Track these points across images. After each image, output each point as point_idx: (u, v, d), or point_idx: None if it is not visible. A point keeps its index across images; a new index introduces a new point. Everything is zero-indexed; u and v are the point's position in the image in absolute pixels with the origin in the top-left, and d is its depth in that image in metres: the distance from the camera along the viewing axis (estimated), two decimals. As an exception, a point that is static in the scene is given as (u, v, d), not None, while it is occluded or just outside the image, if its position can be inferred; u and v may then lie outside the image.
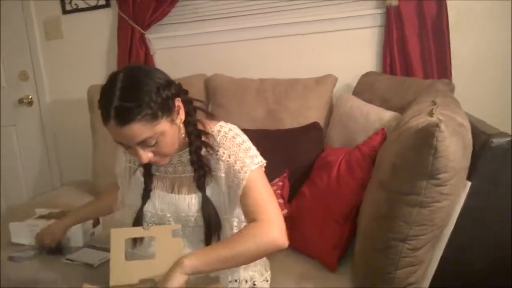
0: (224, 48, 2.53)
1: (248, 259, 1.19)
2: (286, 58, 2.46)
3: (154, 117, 1.11)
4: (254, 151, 1.27)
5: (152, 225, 1.26)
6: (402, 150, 1.19)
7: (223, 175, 1.23)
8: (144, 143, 1.13)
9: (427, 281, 1.34)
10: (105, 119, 1.10)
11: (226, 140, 1.24)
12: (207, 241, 1.26)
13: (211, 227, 1.25)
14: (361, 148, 1.58)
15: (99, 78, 2.71)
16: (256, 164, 1.24)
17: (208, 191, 1.26)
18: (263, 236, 1.14)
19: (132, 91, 1.09)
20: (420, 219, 1.17)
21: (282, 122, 2.17)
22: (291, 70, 2.38)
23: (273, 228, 1.16)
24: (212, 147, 1.24)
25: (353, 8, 2.33)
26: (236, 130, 1.29)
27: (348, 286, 1.44)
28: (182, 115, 1.21)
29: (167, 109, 1.14)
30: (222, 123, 1.30)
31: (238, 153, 1.23)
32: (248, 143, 1.27)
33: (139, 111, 1.08)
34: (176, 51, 2.59)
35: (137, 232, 1.26)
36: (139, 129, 1.09)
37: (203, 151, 1.25)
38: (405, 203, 1.17)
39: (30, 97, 2.91)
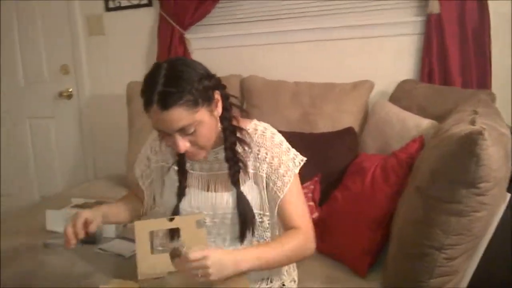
0: (260, 50, 2.55)
1: (286, 265, 1.31)
2: (322, 62, 2.46)
3: (195, 104, 1.13)
4: (293, 151, 1.30)
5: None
6: (443, 157, 1.17)
7: (264, 175, 1.25)
8: (183, 131, 1.15)
9: (460, 292, 1.32)
10: (148, 104, 1.12)
11: (265, 140, 1.26)
12: (242, 238, 1.28)
13: (246, 223, 1.26)
14: (398, 154, 1.56)
15: (138, 75, 2.73)
16: (297, 166, 1.28)
17: (244, 188, 1.27)
18: (307, 249, 1.25)
19: (175, 78, 1.12)
20: (458, 228, 1.15)
21: (316, 125, 2.17)
22: (327, 74, 2.38)
23: (313, 240, 1.26)
24: (247, 144, 1.26)
25: (393, 15, 2.31)
26: (271, 129, 1.31)
27: (378, 293, 1.43)
28: (219, 109, 1.23)
29: (207, 99, 1.17)
30: (255, 121, 1.32)
31: (281, 155, 1.26)
32: (286, 143, 1.30)
33: (181, 96, 1.10)
34: (213, 52, 2.62)
35: (161, 223, 1.25)
36: (180, 114, 1.11)
37: (239, 148, 1.27)
38: (444, 211, 1.16)
39: (70, 90, 2.99)
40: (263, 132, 1.28)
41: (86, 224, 1.29)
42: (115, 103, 2.80)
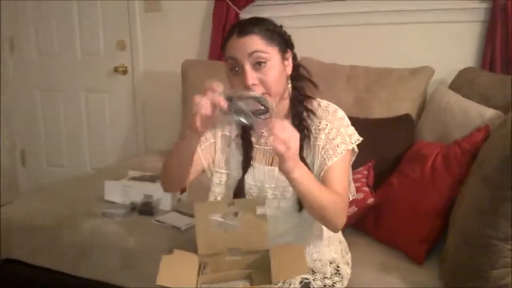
0: (316, 32, 2.52)
1: (320, 215, 1.19)
2: (379, 47, 2.42)
3: (270, 39, 1.20)
4: (352, 128, 1.30)
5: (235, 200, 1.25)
6: (513, 146, 1.15)
7: (321, 144, 1.26)
8: (254, 58, 1.17)
9: (521, 286, 1.30)
10: (229, 35, 1.21)
11: (328, 114, 1.28)
12: (300, 208, 1.28)
13: None
14: (461, 143, 1.53)
15: (193, 53, 2.81)
16: (353, 143, 1.27)
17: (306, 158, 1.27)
18: (338, 215, 1.19)
19: (256, 19, 1.23)
20: (527, 219, 1.13)
21: (370, 110, 2.15)
22: (383, 59, 2.34)
23: (345, 211, 1.23)
24: (314, 114, 1.28)
25: (456, 1, 2.24)
26: (334, 105, 1.32)
27: (434, 281, 1.41)
28: (290, 67, 1.26)
29: (282, 43, 1.23)
30: (318, 99, 1.32)
31: (340, 128, 1.26)
32: (347, 120, 1.30)
33: (260, 28, 1.19)
34: None
35: (220, 207, 1.25)
36: (256, 40, 1.18)
37: (306, 118, 1.28)
38: (511, 200, 1.13)
39: (125, 66, 3.05)
40: (326, 107, 1.30)
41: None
42: (169, 80, 2.83)
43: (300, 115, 1.27)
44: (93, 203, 2.00)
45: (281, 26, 1.25)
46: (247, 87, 1.17)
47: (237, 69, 1.20)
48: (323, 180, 1.23)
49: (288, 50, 1.26)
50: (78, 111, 3.27)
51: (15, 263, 1.97)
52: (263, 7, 2.62)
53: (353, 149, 1.28)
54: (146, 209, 1.86)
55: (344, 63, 2.36)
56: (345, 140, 1.26)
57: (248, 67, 1.18)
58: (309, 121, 1.27)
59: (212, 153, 1.38)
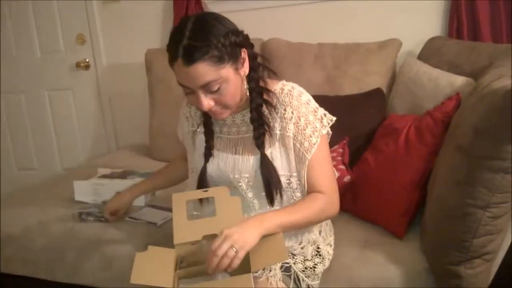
0: (281, 11, 2.47)
1: (310, 226, 1.31)
2: (345, 22, 2.38)
3: (220, 60, 1.10)
4: (321, 111, 1.27)
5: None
6: (486, 113, 1.12)
7: (291, 135, 1.23)
8: (207, 87, 1.12)
9: (503, 251, 1.30)
10: (173, 57, 1.10)
11: (292, 99, 1.23)
12: (270, 201, 1.26)
13: (272, 186, 1.24)
14: (433, 113, 1.51)
15: (155, 42, 2.73)
16: (325, 126, 1.26)
17: (271, 151, 1.24)
18: (330, 212, 1.27)
19: (201, 32, 1.09)
20: (504, 185, 1.12)
21: (341, 88, 2.12)
22: (351, 34, 2.31)
23: (336, 203, 1.28)
24: (273, 106, 1.23)
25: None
26: (299, 88, 1.28)
27: (416, 254, 1.41)
28: (246, 68, 1.20)
29: (233, 56, 1.13)
30: (283, 81, 1.28)
31: (307, 115, 1.23)
32: (314, 102, 1.27)
33: (207, 50, 1.08)
34: (232, 15, 2.44)
35: (196, 194, 1.27)
36: (205, 70, 1.09)
37: (265, 110, 1.24)
38: (488, 168, 1.12)
39: (87, 61, 2.95)
40: (290, 91, 1.24)
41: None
42: (133, 71, 2.76)
43: (258, 109, 1.23)
44: (64, 205, 1.92)
45: (233, 32, 1.13)
46: (201, 108, 1.16)
47: (187, 91, 1.16)
48: (308, 174, 1.24)
49: (242, 52, 1.17)
50: (43, 111, 3.17)
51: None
52: (225, -10, 2.55)
53: (327, 132, 1.27)
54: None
55: (312, 41, 2.32)
56: (316, 127, 1.23)
57: (201, 95, 1.14)
58: (272, 111, 1.24)
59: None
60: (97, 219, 1.75)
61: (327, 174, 1.27)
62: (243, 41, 1.17)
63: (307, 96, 1.26)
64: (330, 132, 1.29)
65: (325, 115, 1.27)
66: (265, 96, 1.24)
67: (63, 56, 3.00)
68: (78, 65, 2.94)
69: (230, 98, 1.17)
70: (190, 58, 1.08)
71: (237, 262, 1.06)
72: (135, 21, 2.78)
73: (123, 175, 1.92)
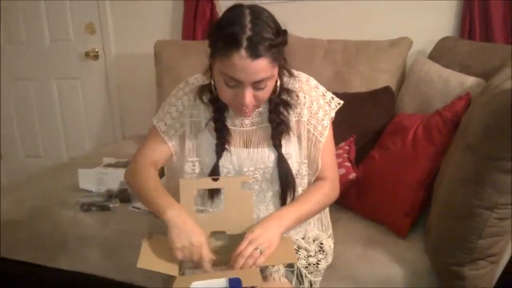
0: (292, 7, 2.46)
1: (317, 213, 1.33)
2: (355, 19, 2.37)
3: (276, 58, 1.08)
4: (329, 94, 1.29)
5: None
6: (497, 112, 1.11)
7: (305, 119, 1.24)
8: (258, 84, 1.09)
9: (508, 254, 1.28)
10: (233, 48, 1.03)
11: (302, 84, 1.25)
12: (283, 199, 1.26)
13: (287, 185, 1.24)
14: (442, 113, 1.50)
15: (164, 33, 2.72)
16: (333, 109, 1.28)
17: (286, 143, 1.24)
18: (332, 197, 1.30)
19: (265, 27, 1.05)
20: (512, 187, 1.10)
21: (350, 84, 2.11)
22: (361, 32, 2.30)
23: (337, 189, 1.31)
24: (291, 107, 1.23)
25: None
26: (304, 74, 1.29)
27: (420, 254, 1.39)
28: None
29: (281, 54, 1.12)
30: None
31: (318, 99, 1.26)
32: (322, 87, 1.29)
33: (270, 47, 1.04)
34: None
35: (205, 183, 1.22)
36: (265, 65, 1.05)
37: (283, 109, 1.23)
38: (496, 168, 1.10)
39: (96, 50, 2.95)
40: (297, 76, 1.25)
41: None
42: (142, 62, 2.76)
43: (277, 108, 1.22)
44: (69, 193, 1.94)
45: (283, 31, 1.11)
46: (242, 103, 1.11)
47: (232, 84, 1.10)
48: (320, 158, 1.26)
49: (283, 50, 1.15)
50: (51, 99, 3.18)
51: (-9, 258, 1.90)
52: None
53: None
54: (122, 196, 1.80)
55: (322, 37, 2.31)
56: (326, 110, 1.26)
57: (249, 90, 1.10)
58: (289, 111, 1.23)
59: (182, 142, 1.30)
60: (99, 208, 1.75)
61: (332, 158, 1.31)
62: (286, 40, 1.14)
63: (314, 81, 1.29)
64: (341, 102, 1.29)
65: (332, 98, 1.29)
66: (284, 96, 1.23)
67: (72, 44, 3.00)
68: (87, 54, 2.95)
69: (267, 96, 1.15)
70: (256, 51, 1.03)
71: (261, 260, 1.09)
72: (145, 12, 2.77)
73: (128, 165, 1.91)
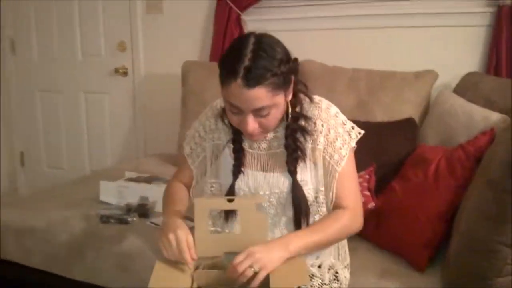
0: (318, 35, 2.50)
1: (332, 244, 1.29)
2: (381, 50, 2.39)
3: (278, 87, 1.10)
4: (350, 123, 1.27)
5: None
6: (521, 149, 1.11)
7: (321, 148, 1.23)
8: (258, 111, 1.12)
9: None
10: (231, 76, 1.07)
11: (321, 111, 1.23)
12: (297, 225, 1.25)
13: (301, 211, 1.24)
14: (466, 147, 1.49)
15: (193, 54, 2.78)
16: (354, 139, 1.26)
17: (301, 170, 1.24)
18: (354, 228, 1.25)
19: (264, 56, 1.08)
20: (534, 225, 1.09)
21: (373, 114, 2.11)
22: (386, 62, 2.30)
23: (360, 218, 1.26)
24: (308, 133, 1.23)
25: (461, 5, 2.22)
26: (326, 101, 1.28)
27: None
28: (291, 94, 1.19)
29: (287, 82, 1.13)
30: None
31: (337, 127, 1.24)
32: (342, 115, 1.28)
33: (268, 76, 1.07)
34: None
35: (220, 203, 1.24)
36: (263, 95, 1.08)
37: (300, 136, 1.23)
38: (518, 206, 1.09)
39: (125, 67, 3.02)
40: (318, 103, 1.25)
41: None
42: (169, 82, 2.81)
43: (294, 134, 1.23)
44: (88, 204, 1.96)
45: (289, 59, 1.12)
46: (245, 132, 1.16)
47: (235, 111, 1.14)
48: (336, 187, 1.23)
49: (292, 78, 1.16)
50: (78, 112, 3.25)
51: (8, 264, 1.92)
52: (265, 9, 2.59)
53: (354, 145, 1.27)
54: (141, 210, 1.82)
55: (347, 66, 2.33)
56: (345, 139, 1.24)
57: (250, 117, 1.13)
58: (306, 138, 1.23)
59: (204, 166, 1.36)
60: (117, 221, 1.77)
61: (353, 188, 1.26)
62: (295, 68, 1.17)
63: (335, 109, 1.27)
64: (362, 132, 1.27)
65: (353, 127, 1.27)
66: (302, 122, 1.24)
67: (103, 60, 3.08)
68: (116, 70, 3.02)
69: (274, 123, 1.18)
70: (251, 81, 1.06)
71: (256, 283, 1.06)
72: (175, 33, 2.84)
73: (149, 180, 1.95)
